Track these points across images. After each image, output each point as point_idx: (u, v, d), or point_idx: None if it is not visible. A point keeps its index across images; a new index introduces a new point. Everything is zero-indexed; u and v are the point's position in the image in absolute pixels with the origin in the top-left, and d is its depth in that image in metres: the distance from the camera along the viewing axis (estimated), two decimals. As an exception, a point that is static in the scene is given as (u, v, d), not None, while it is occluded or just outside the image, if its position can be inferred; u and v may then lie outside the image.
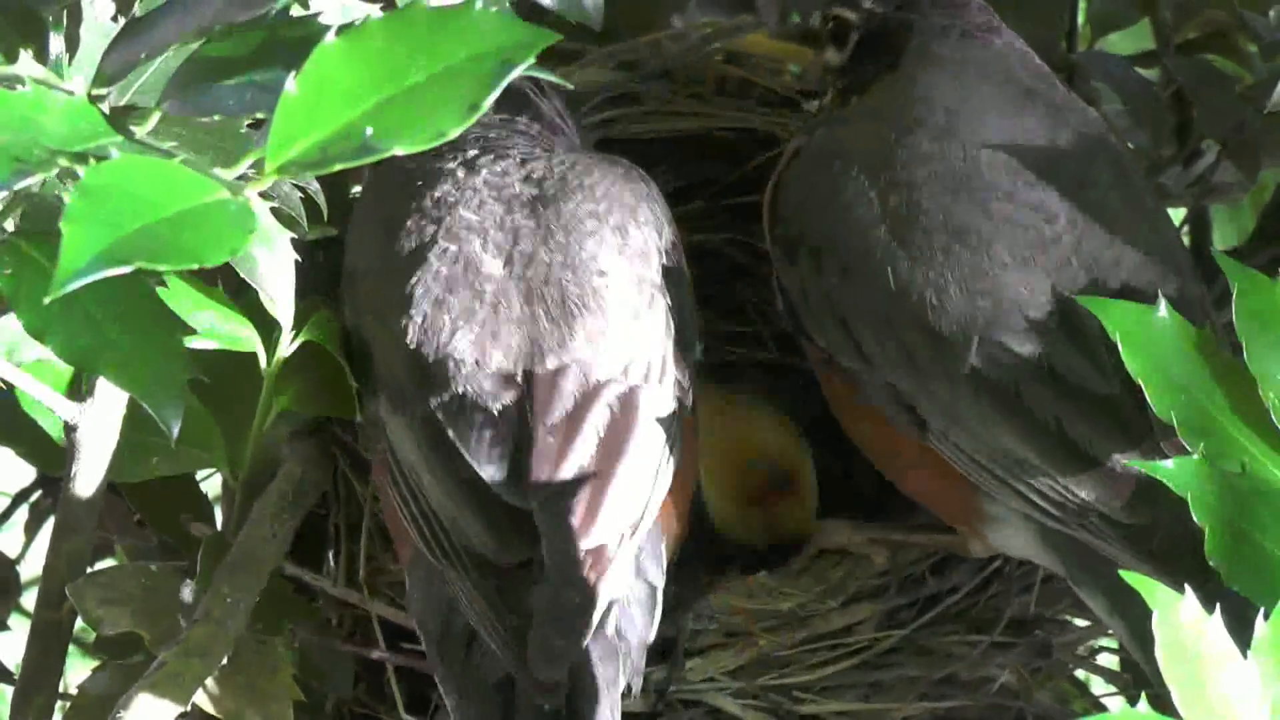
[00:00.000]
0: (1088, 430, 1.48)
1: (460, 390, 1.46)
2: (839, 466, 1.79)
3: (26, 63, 1.23)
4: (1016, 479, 1.50)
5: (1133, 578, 1.11)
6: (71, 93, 1.19)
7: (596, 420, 1.45)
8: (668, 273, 1.53)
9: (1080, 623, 1.73)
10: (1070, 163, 1.58)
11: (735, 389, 1.81)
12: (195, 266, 1.11)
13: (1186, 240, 1.97)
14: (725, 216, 1.89)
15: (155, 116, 1.24)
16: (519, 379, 1.46)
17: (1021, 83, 1.62)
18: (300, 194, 1.45)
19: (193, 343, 1.46)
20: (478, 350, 1.47)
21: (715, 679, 1.64)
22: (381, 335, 1.51)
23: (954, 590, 1.68)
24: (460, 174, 1.55)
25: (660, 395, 1.48)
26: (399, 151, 1.12)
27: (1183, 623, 1.10)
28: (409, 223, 1.53)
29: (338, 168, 1.12)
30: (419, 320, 1.48)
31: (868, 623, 1.67)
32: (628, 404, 1.46)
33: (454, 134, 1.12)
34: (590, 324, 1.48)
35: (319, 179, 1.45)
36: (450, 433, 1.45)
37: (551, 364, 1.46)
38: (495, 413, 1.45)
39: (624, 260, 1.51)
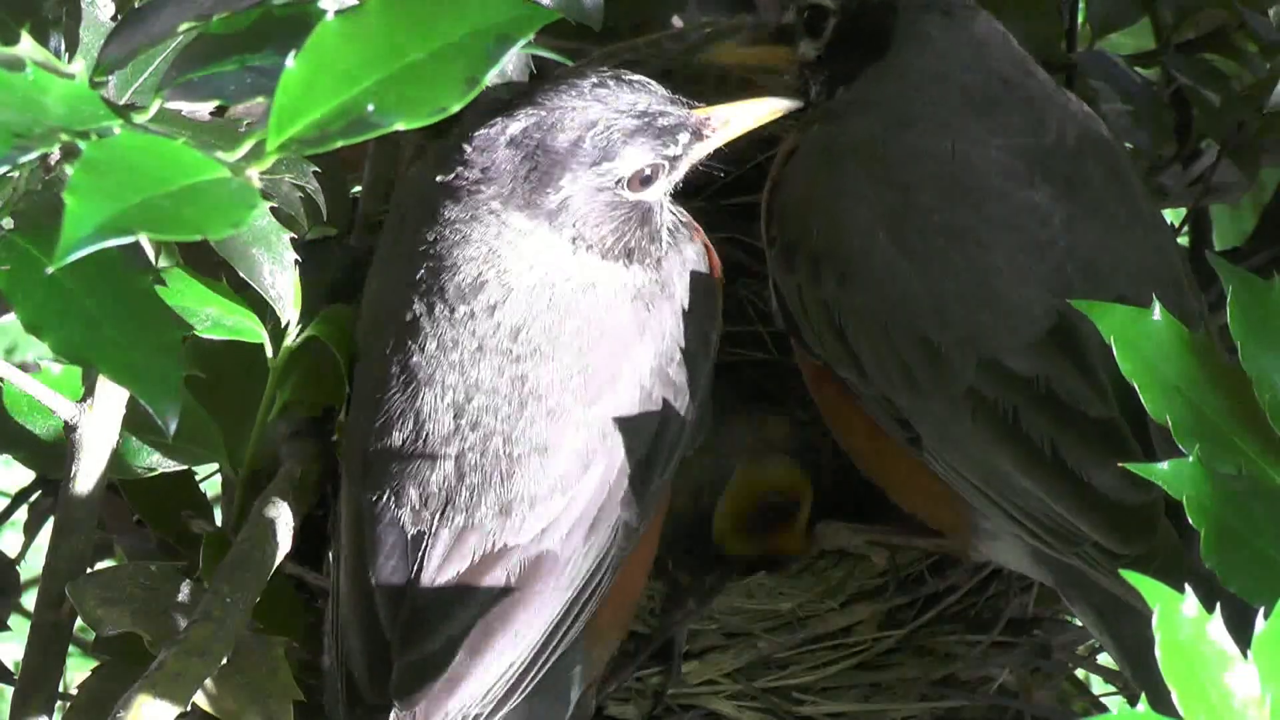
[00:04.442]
0: (1085, 457, 1.46)
1: (381, 523, 1.47)
2: (839, 467, 1.80)
3: (27, 45, 1.23)
4: (1010, 502, 1.49)
5: (1133, 577, 1.11)
6: (72, 76, 1.19)
7: (491, 582, 1.44)
8: (647, 411, 1.50)
9: (1079, 623, 1.73)
10: (1061, 161, 1.56)
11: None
12: (198, 238, 1.11)
13: (1186, 240, 1.97)
14: (725, 216, 1.89)
15: (155, 106, 1.23)
16: (428, 533, 1.46)
17: (1000, 74, 1.61)
18: (300, 193, 1.46)
19: (200, 334, 1.47)
20: (402, 494, 1.47)
21: (714, 680, 1.64)
22: (354, 415, 1.53)
23: (953, 590, 1.69)
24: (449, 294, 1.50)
25: (586, 549, 1.47)
26: (400, 127, 1.12)
27: (1183, 622, 1.09)
28: (391, 343, 1.51)
29: (339, 144, 1.12)
30: (371, 444, 1.49)
31: (867, 623, 1.67)
32: (535, 569, 1.45)
33: (455, 108, 1.12)
34: (512, 500, 1.46)
35: (319, 179, 1.45)
36: (367, 550, 1.47)
37: (459, 523, 1.46)
38: (400, 556, 1.46)
39: (578, 435, 1.48)
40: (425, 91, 1.12)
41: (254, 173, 1.14)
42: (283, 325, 1.51)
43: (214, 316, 1.49)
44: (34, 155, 1.13)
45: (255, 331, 1.50)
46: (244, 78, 1.20)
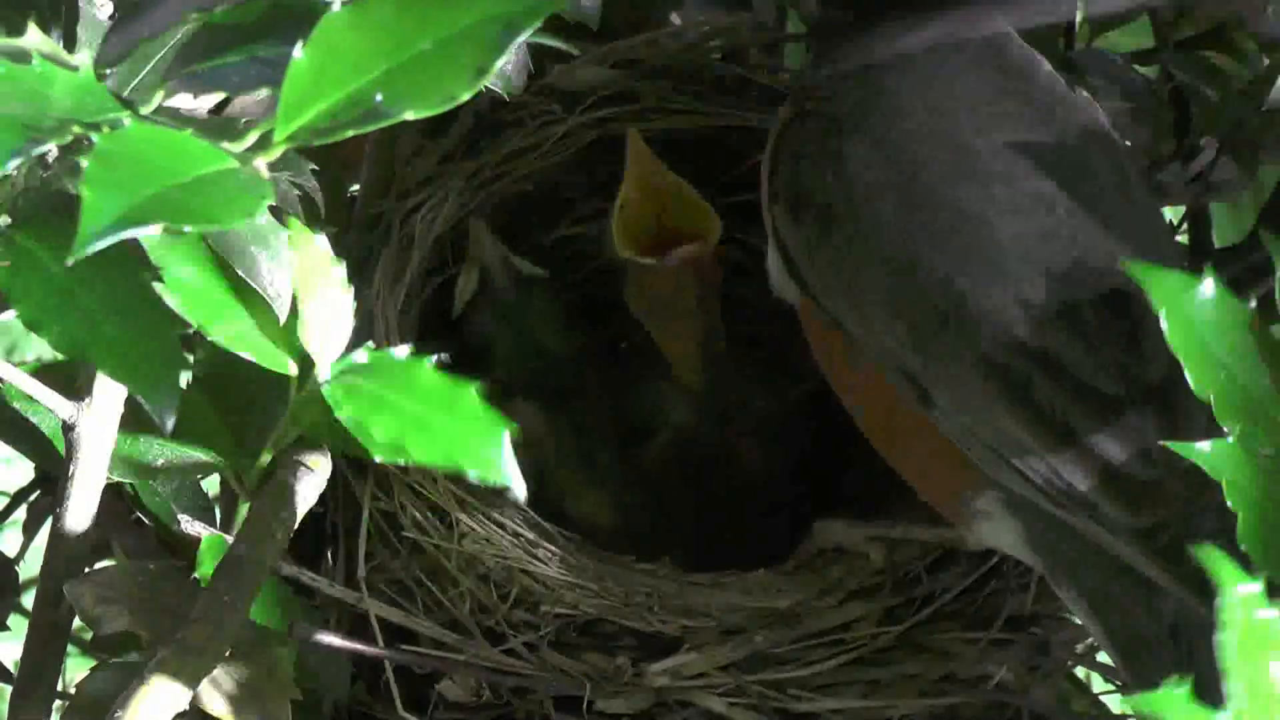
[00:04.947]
0: (1096, 428, 1.46)
1: None
2: (835, 466, 1.80)
3: (33, 37, 1.23)
4: (1023, 464, 1.49)
5: (1206, 555, 1.07)
6: (76, 69, 1.19)
7: None
8: None
9: (1079, 620, 1.72)
10: (1065, 154, 1.57)
11: None
12: (213, 229, 1.11)
13: (1185, 238, 1.97)
14: (724, 216, 1.89)
15: (158, 98, 1.23)
16: None
17: (1000, 73, 1.61)
18: (298, 192, 1.45)
19: (228, 345, 1.45)
20: None
21: (708, 674, 1.64)
22: None
23: (951, 588, 1.68)
24: None
25: None
26: (409, 116, 1.12)
27: (1251, 607, 1.06)
28: None
29: (350, 134, 1.12)
30: None
31: (865, 620, 1.67)
32: None
33: (463, 97, 1.12)
34: None
35: (317, 178, 1.45)
36: None
37: None
38: None
39: None
40: (434, 81, 1.12)
41: (261, 163, 1.14)
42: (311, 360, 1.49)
43: (244, 332, 1.47)
44: (48, 147, 1.13)
45: (282, 361, 1.49)
46: (249, 69, 1.20)
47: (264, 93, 1.20)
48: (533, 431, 1.85)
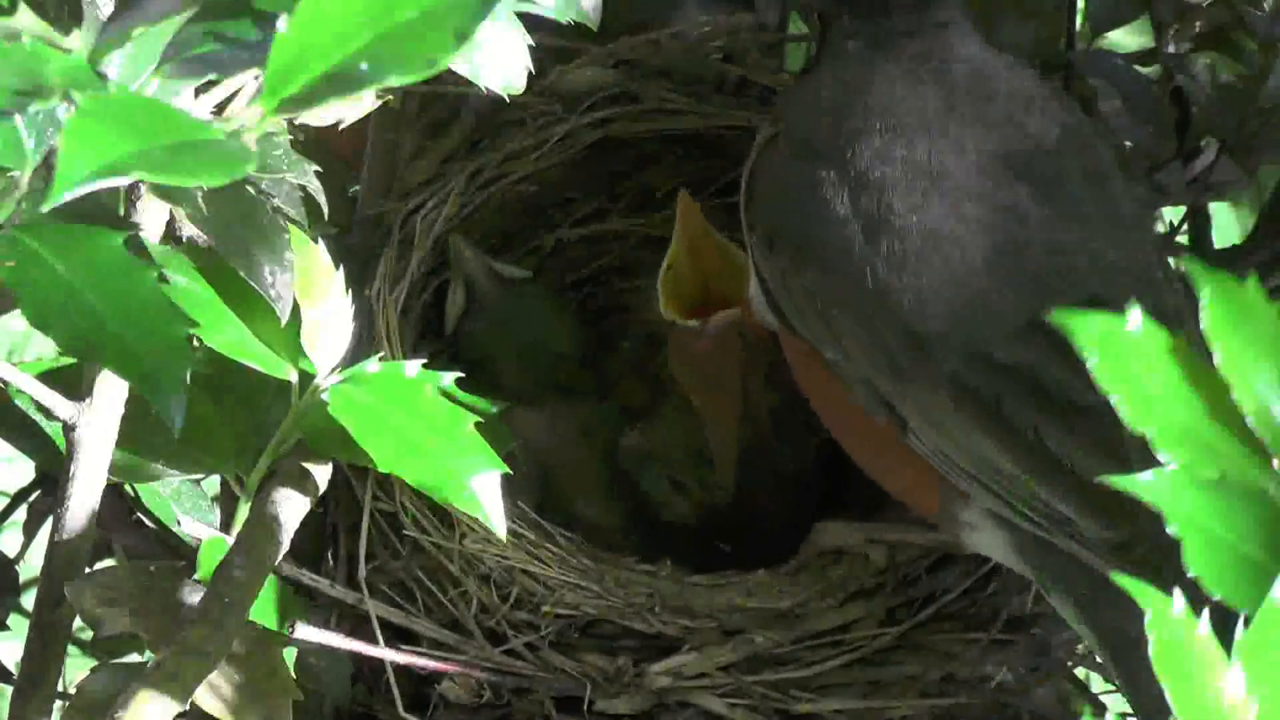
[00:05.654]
0: (1068, 442, 1.47)
1: None
2: (834, 468, 1.80)
3: (27, 20, 1.23)
4: (998, 485, 1.49)
5: (1123, 579, 1.11)
6: (69, 51, 1.19)
7: None
8: None
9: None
10: (1039, 161, 1.56)
11: None
12: (193, 185, 1.10)
13: (1185, 238, 1.97)
14: (725, 216, 1.89)
15: (154, 84, 1.23)
16: None
17: (963, 79, 1.59)
18: (301, 193, 1.45)
19: (223, 350, 1.45)
20: None
21: (709, 675, 1.64)
22: None
23: (951, 589, 1.69)
24: None
25: None
26: (393, 82, 1.11)
27: (1172, 624, 1.09)
28: None
29: (332, 102, 1.12)
30: None
31: (866, 621, 1.67)
32: None
33: (444, 63, 1.11)
34: None
35: (319, 178, 1.45)
36: None
37: None
38: None
39: None
40: (417, 47, 1.11)
41: (250, 139, 1.14)
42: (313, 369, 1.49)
43: (243, 339, 1.47)
44: (35, 109, 1.12)
45: (282, 367, 1.48)
46: (239, 52, 1.19)
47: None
48: (537, 438, 1.85)
